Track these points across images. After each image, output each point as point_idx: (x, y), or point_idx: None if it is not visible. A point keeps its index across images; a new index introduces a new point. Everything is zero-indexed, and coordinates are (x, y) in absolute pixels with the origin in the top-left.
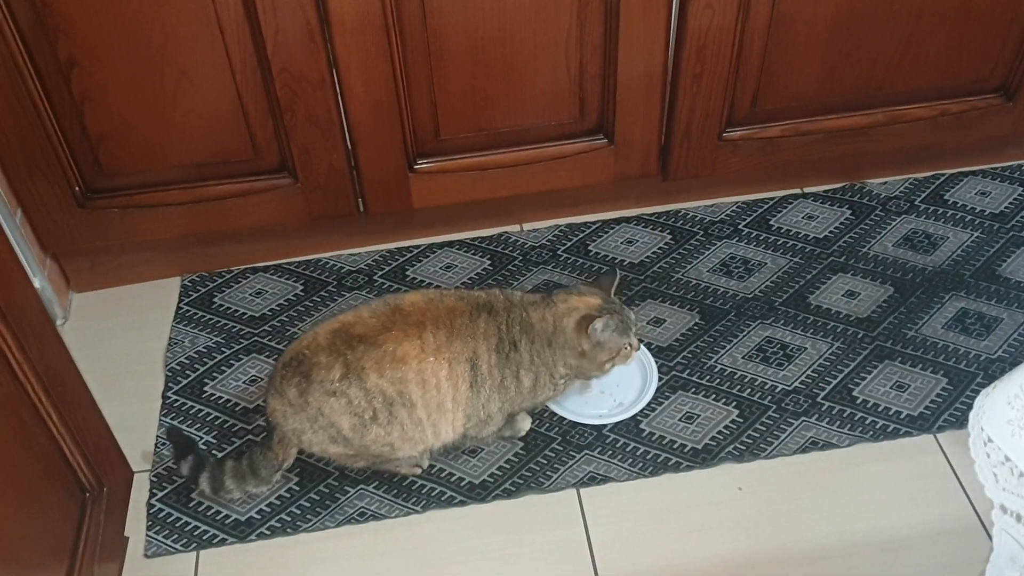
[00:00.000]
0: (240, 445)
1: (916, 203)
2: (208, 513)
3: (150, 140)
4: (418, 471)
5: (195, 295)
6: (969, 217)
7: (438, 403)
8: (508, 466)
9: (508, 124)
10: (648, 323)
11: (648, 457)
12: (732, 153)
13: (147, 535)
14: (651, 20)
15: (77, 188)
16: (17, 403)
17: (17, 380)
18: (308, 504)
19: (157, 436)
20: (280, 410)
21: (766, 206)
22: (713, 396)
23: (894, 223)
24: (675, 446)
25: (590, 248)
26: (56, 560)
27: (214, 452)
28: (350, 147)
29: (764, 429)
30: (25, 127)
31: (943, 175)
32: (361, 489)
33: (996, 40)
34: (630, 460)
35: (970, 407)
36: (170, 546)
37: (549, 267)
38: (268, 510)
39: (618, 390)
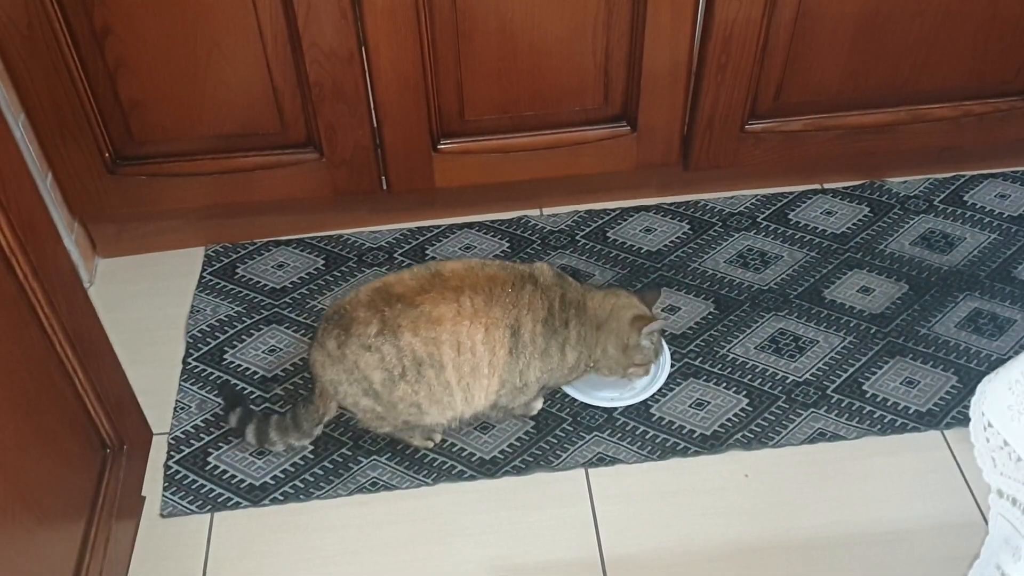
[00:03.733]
0: (257, 412)
1: (935, 203)
2: (223, 477)
3: (180, 109)
4: (430, 444)
5: (218, 265)
6: (987, 219)
7: (472, 367)
8: (519, 444)
9: (532, 108)
10: (663, 310)
11: (657, 441)
12: (754, 145)
13: (163, 495)
14: (678, 9)
15: (107, 154)
16: (45, 357)
17: (46, 335)
18: (321, 472)
19: (176, 401)
20: (320, 361)
21: (785, 200)
22: (724, 384)
23: (912, 222)
24: (684, 431)
25: (608, 235)
26: (76, 512)
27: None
28: (376, 124)
29: (773, 419)
30: (59, 92)
31: (963, 176)
32: (374, 460)
33: (1022, 43)
34: (639, 443)
35: None
36: (185, 507)
37: (567, 252)
38: (282, 476)
39: None
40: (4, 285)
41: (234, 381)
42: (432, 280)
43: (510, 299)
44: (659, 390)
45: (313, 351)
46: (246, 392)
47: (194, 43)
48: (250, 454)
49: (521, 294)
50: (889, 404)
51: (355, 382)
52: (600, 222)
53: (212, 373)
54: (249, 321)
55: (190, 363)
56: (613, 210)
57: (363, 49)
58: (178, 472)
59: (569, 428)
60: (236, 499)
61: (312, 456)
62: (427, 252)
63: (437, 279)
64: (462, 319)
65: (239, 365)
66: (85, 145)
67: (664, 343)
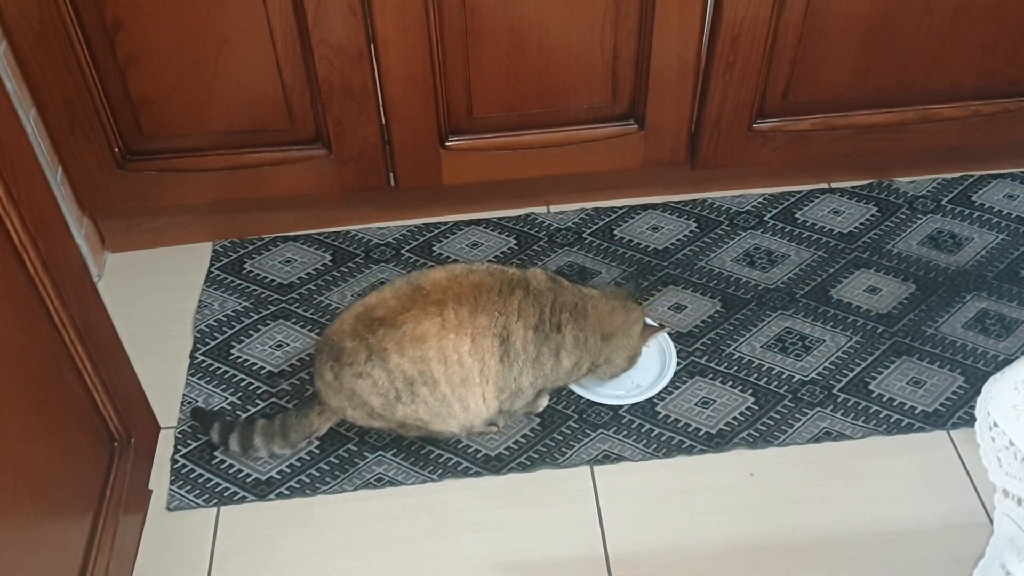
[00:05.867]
0: (264, 407)
1: (943, 203)
2: (230, 471)
3: (190, 105)
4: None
5: (226, 260)
6: (995, 219)
7: (462, 378)
8: (524, 441)
9: (540, 105)
10: (669, 309)
11: (663, 439)
12: (761, 144)
13: (170, 489)
14: (687, 7)
15: (117, 149)
16: (54, 349)
17: (55, 328)
18: (327, 467)
19: (183, 395)
20: (323, 390)
21: (793, 199)
22: (730, 383)
23: (920, 222)
24: (690, 430)
25: (615, 233)
26: (85, 504)
27: (238, 412)
28: (384, 121)
29: (779, 417)
30: (70, 87)
31: (971, 177)
32: (379, 455)
33: None
34: (644, 441)
35: None
36: (192, 501)
37: (574, 249)
38: (288, 471)
39: (636, 372)
40: (15, 278)
41: (240, 376)
42: (413, 296)
43: (496, 307)
44: (665, 388)
45: (315, 381)
46: (252, 387)
47: (204, 39)
48: None
49: (509, 300)
50: (895, 404)
51: (358, 407)
52: (607, 220)
53: (219, 368)
54: (256, 316)
55: (197, 358)
56: (620, 208)
57: (372, 46)
58: (185, 466)
59: (575, 425)
60: (242, 493)
61: (318, 451)
62: (434, 249)
63: (419, 294)
64: (447, 333)
65: (246, 360)
66: (95, 140)
67: (671, 341)
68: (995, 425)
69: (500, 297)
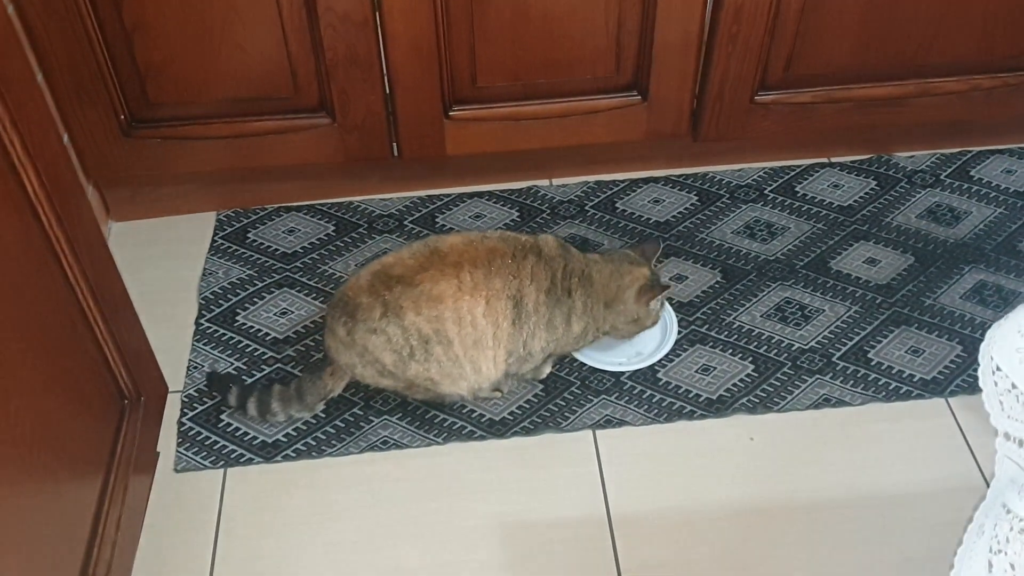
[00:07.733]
0: (270, 372)
1: (942, 177)
2: (236, 434)
3: (196, 73)
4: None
5: (230, 230)
6: (993, 194)
7: (475, 340)
8: (528, 406)
9: (544, 75)
10: (670, 279)
11: (664, 404)
12: (763, 117)
13: (177, 451)
14: None
15: (122, 117)
16: (68, 304)
17: (69, 282)
18: (333, 430)
19: (189, 360)
20: (334, 347)
21: (793, 173)
22: (730, 351)
23: (919, 196)
24: (690, 395)
25: (617, 206)
26: (97, 459)
27: (244, 377)
28: (388, 90)
29: (779, 384)
30: (76, 54)
31: (970, 152)
32: (385, 419)
33: None
34: (646, 406)
35: None
36: (199, 462)
37: (576, 222)
38: (294, 434)
39: (638, 340)
40: (31, 231)
41: (246, 342)
42: (431, 257)
43: (510, 270)
44: (666, 356)
45: (326, 337)
46: (258, 353)
47: (210, 6)
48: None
49: (523, 265)
50: (894, 372)
51: (368, 364)
52: (609, 193)
53: (225, 334)
54: (261, 284)
55: (203, 324)
56: (622, 181)
57: (377, 14)
58: (192, 429)
59: (577, 391)
60: (249, 455)
61: (324, 415)
62: (437, 220)
63: (436, 256)
64: (463, 294)
65: (251, 327)
66: (101, 107)
67: (671, 310)
68: (998, 369)
69: (513, 262)
